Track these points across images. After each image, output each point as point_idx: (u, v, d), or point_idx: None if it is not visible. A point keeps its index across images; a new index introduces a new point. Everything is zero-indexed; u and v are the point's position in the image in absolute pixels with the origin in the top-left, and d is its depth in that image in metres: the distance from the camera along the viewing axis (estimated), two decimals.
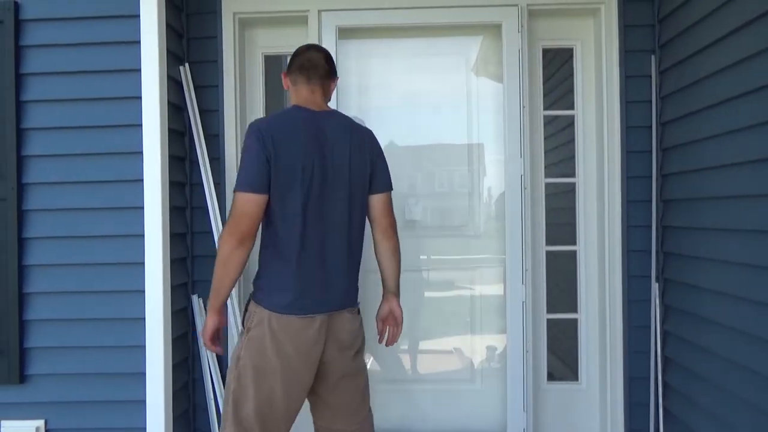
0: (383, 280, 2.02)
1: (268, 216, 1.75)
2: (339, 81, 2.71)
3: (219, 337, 1.87)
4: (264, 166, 1.68)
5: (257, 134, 1.71)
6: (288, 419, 1.79)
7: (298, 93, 1.87)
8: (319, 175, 1.74)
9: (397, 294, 2.03)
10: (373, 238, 1.96)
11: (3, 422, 2.42)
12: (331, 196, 1.76)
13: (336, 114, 1.88)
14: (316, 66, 1.86)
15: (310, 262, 1.75)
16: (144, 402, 2.28)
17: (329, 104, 1.93)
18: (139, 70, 2.28)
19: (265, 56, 2.86)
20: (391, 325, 2.05)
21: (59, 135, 2.41)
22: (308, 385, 1.79)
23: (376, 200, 1.90)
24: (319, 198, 1.74)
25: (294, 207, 1.72)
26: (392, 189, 1.96)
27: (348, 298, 1.84)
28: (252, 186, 1.68)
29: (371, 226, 1.95)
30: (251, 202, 1.68)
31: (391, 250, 1.96)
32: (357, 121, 1.95)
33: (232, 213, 1.71)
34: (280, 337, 1.72)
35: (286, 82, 1.93)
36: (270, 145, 1.69)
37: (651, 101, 2.59)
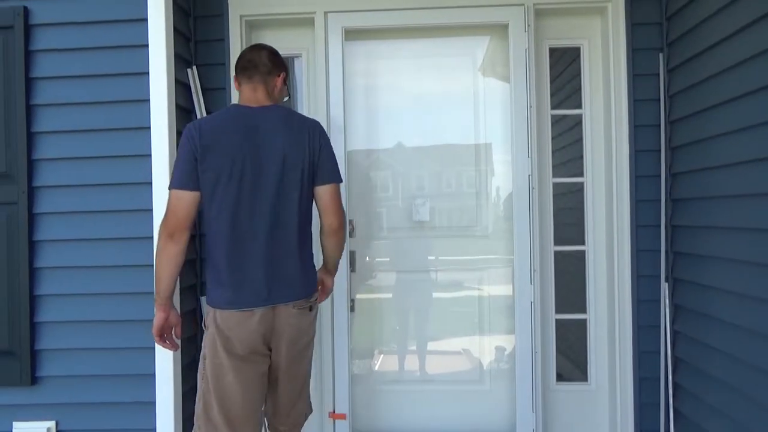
0: (324, 261, 2.09)
1: (203, 214, 1.83)
2: (347, 83, 2.73)
3: (172, 333, 1.91)
4: (191, 165, 1.76)
5: (187, 134, 1.79)
6: (252, 411, 1.81)
7: (241, 93, 1.94)
8: (251, 170, 1.76)
9: (333, 271, 2.13)
10: (320, 229, 1.97)
11: (15, 423, 2.44)
12: (265, 190, 1.78)
13: (274, 108, 1.89)
14: (257, 65, 1.92)
15: (244, 256, 1.77)
16: (154, 403, 2.29)
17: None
18: (147, 74, 2.29)
19: None
20: (319, 290, 2.09)
21: (68, 138, 2.43)
22: (262, 376, 1.83)
23: (322, 192, 1.89)
24: (252, 192, 1.77)
25: (225, 202, 1.76)
26: (339, 181, 1.94)
27: (292, 291, 1.82)
28: (178, 183, 1.76)
29: (320, 217, 1.96)
30: (178, 199, 1.76)
31: (334, 244, 2.00)
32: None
33: (165, 210, 1.79)
34: (225, 332, 1.77)
35: (236, 84, 1.99)
36: (198, 143, 1.76)
37: (659, 100, 2.58)
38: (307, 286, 1.87)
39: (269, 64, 1.94)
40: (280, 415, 1.94)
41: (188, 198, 1.76)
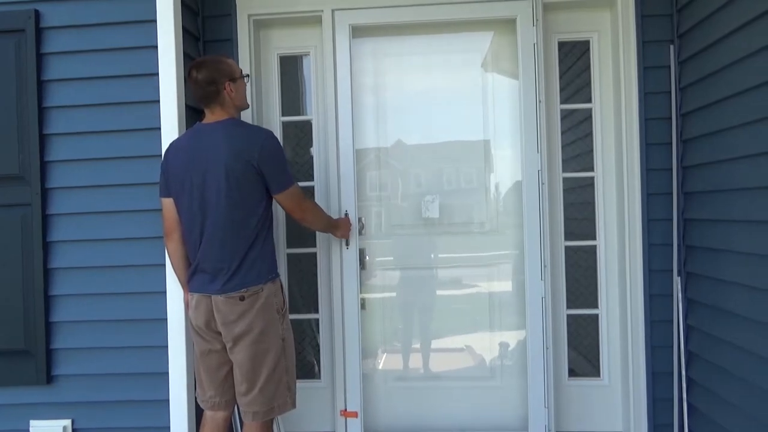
0: None
1: None
2: (355, 80, 2.74)
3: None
4: (162, 178, 2.14)
5: (165, 153, 2.16)
6: (212, 377, 2.11)
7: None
8: (198, 181, 2.01)
9: (329, 232, 2.56)
10: None
11: (31, 422, 2.47)
12: (209, 197, 2.01)
13: (223, 123, 2.06)
14: (204, 96, 2.08)
15: (195, 253, 2.08)
16: (168, 401, 2.31)
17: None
18: (157, 74, 2.31)
19: (280, 57, 2.87)
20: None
21: (81, 140, 2.45)
22: (215, 352, 2.09)
23: (277, 199, 2.11)
24: (200, 199, 2.02)
25: (183, 208, 2.08)
26: (288, 187, 2.09)
27: (218, 285, 2.02)
28: (160, 192, 2.16)
29: None
30: (163, 205, 2.15)
31: (307, 226, 2.33)
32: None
33: None
34: (189, 310, 2.15)
35: None
36: (165, 160, 2.13)
37: (670, 92, 2.56)
38: (233, 281, 2.02)
39: (211, 87, 2.06)
40: (237, 393, 2.11)
41: (166, 204, 2.14)
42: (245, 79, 2.20)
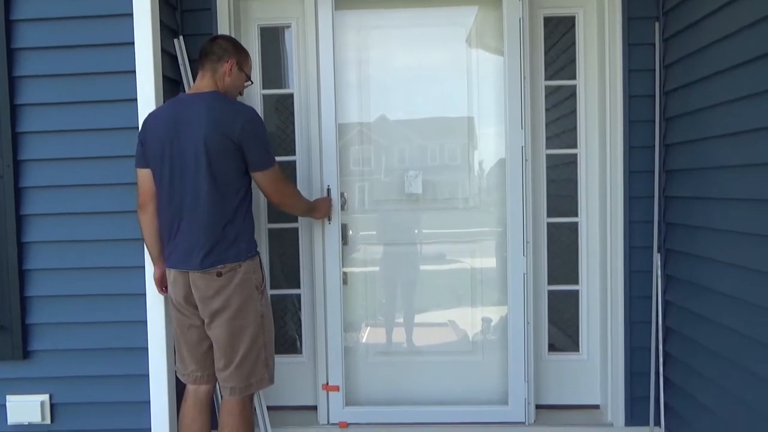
0: None
1: None
2: (337, 53, 2.68)
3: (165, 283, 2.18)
4: (139, 147, 2.08)
5: (142, 123, 2.12)
6: (193, 352, 2.12)
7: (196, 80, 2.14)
8: (177, 155, 1.97)
9: (309, 216, 2.55)
10: None
11: (8, 397, 2.44)
12: (188, 170, 1.97)
13: (205, 95, 2.02)
14: (207, 53, 2.09)
15: (172, 227, 2.04)
16: (147, 376, 2.30)
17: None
18: (133, 44, 2.24)
19: (260, 28, 2.81)
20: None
21: (54, 111, 2.38)
22: (195, 327, 2.09)
23: (256, 179, 2.08)
24: (180, 173, 1.98)
25: (160, 179, 2.03)
26: (268, 167, 2.07)
27: (195, 260, 1.99)
28: (137, 163, 2.10)
29: None
30: (139, 176, 2.10)
31: (285, 210, 2.31)
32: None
33: None
34: (168, 286, 2.13)
35: None
36: (143, 130, 2.08)
37: (654, 70, 2.55)
38: (210, 257, 1.99)
39: (219, 51, 2.08)
40: (215, 369, 2.11)
41: (141, 174, 2.09)
42: (246, 82, 2.21)
